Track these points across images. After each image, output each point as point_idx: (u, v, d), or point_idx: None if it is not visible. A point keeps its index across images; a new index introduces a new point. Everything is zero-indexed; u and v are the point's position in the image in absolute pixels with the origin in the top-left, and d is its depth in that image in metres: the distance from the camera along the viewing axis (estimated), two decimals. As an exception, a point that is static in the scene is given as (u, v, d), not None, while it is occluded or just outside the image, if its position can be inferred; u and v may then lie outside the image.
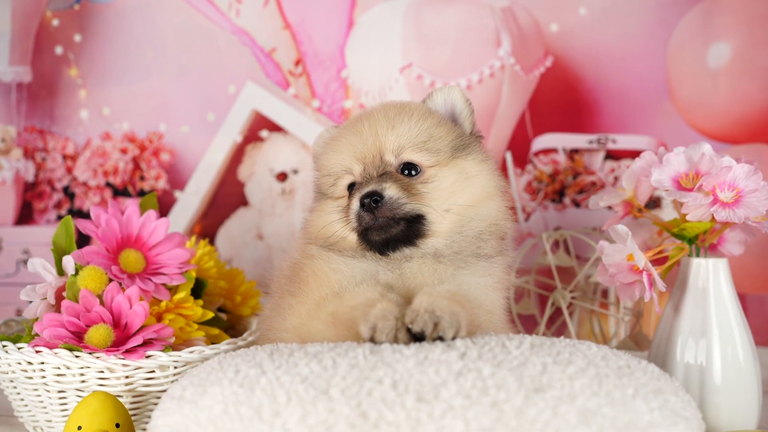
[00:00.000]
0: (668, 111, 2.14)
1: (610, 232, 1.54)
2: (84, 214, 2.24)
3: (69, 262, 1.53)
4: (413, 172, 1.40)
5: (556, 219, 2.17)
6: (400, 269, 1.36)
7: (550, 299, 1.87)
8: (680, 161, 1.54)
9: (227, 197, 2.24)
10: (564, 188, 2.17)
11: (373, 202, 1.34)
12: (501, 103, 2.15)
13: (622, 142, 2.17)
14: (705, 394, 1.50)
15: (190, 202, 2.24)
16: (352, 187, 1.44)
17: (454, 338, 1.15)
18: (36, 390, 1.49)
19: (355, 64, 2.18)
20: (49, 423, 1.52)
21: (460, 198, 1.39)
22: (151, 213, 1.65)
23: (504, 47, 2.13)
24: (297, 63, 2.20)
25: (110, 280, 1.52)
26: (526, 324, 1.98)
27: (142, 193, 2.24)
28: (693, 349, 1.53)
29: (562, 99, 2.16)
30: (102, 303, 1.50)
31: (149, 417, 1.51)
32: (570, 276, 2.01)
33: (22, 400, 1.53)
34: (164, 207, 2.23)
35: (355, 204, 1.38)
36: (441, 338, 1.15)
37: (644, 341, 1.77)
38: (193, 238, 1.75)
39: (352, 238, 1.41)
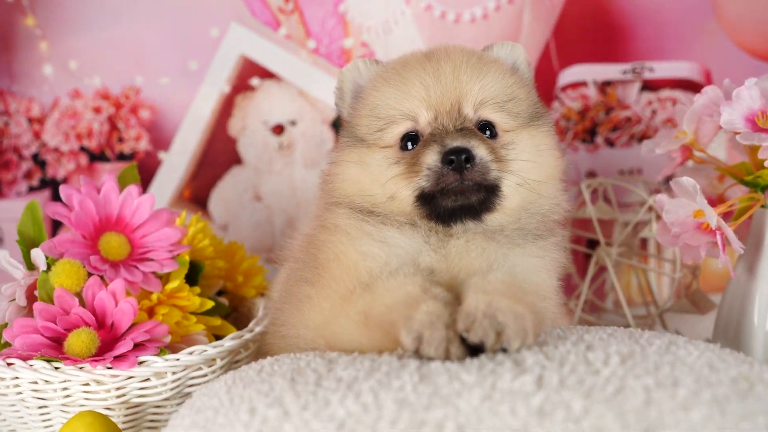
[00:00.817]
0: (713, 31, 1.89)
1: (672, 186, 1.31)
2: (58, 184, 1.99)
3: (39, 256, 1.30)
4: (491, 134, 1.19)
5: (588, 161, 1.94)
6: (445, 249, 1.14)
7: (593, 257, 1.65)
8: (753, 96, 1.30)
9: (218, 155, 2.00)
10: (595, 126, 1.93)
11: (465, 160, 1.11)
12: (522, 33, 1.88)
13: (661, 70, 1.92)
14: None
15: (176, 164, 1.99)
16: (409, 138, 1.19)
17: (519, 349, 0.93)
18: (13, 406, 1.28)
19: (354, -5, 1.90)
20: (34, 439, 1.32)
21: (533, 172, 1.19)
22: (133, 188, 1.42)
23: (524, -33, 1.85)
24: (287, -2, 1.92)
25: (89, 274, 1.29)
26: (565, 285, 1.77)
27: (122, 157, 1.99)
28: (774, 313, 1.33)
29: (591, 25, 1.89)
30: (82, 302, 1.28)
31: (149, 429, 1.30)
32: (608, 227, 1.79)
33: (0, 414, 1.33)
34: (148, 170, 1.99)
35: (433, 158, 1.13)
36: (504, 349, 0.93)
37: (703, 301, 1.57)
38: (184, 214, 1.51)
39: (409, 200, 1.16)
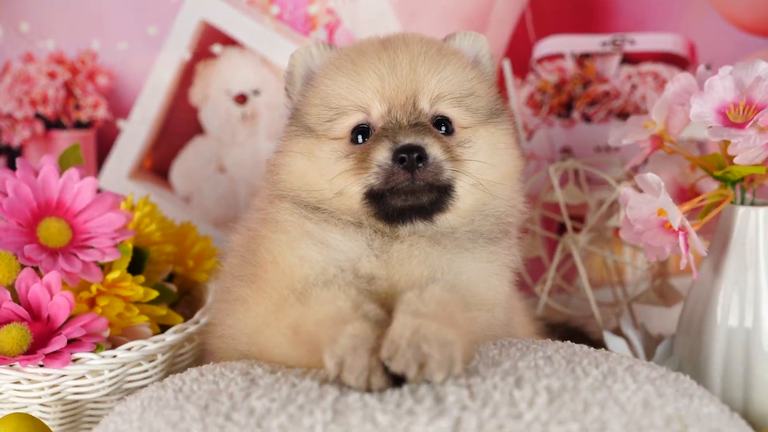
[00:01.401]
0: (699, 3, 1.80)
1: (636, 180, 1.24)
2: (13, 151, 1.92)
3: (-31, 247, 1.24)
4: (447, 130, 1.12)
5: (564, 137, 1.86)
6: (387, 253, 1.08)
7: (559, 244, 1.60)
8: (727, 87, 1.23)
9: (180, 125, 1.92)
10: (572, 100, 1.85)
11: (417, 159, 1.05)
12: (496, 2, 1.79)
13: (642, 42, 1.83)
14: (751, 361, 1.27)
15: (136, 133, 1.91)
16: (360, 131, 1.13)
17: (444, 380, 0.88)
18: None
19: (320, -41, 1.79)
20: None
21: (489, 173, 1.13)
22: (73, 171, 1.35)
23: (500, -69, 1.74)
24: (249, -40, 1.81)
25: (23, 266, 1.24)
26: (533, 268, 1.72)
27: (79, 125, 1.91)
28: (737, 311, 1.28)
29: (570, -7, 1.79)
30: (14, 295, 1.23)
31: (87, 425, 1.26)
32: (583, 208, 1.73)
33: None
34: (107, 140, 1.91)
35: (383, 155, 1.07)
36: (428, 380, 0.88)
37: (671, 293, 1.52)
38: (130, 197, 1.45)
39: (357, 197, 1.10)
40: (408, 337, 0.90)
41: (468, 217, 1.12)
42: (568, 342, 1.07)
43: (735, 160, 1.21)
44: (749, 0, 1.77)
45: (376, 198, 1.09)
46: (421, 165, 1.06)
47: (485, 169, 1.12)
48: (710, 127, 1.20)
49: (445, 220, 1.11)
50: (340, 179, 1.11)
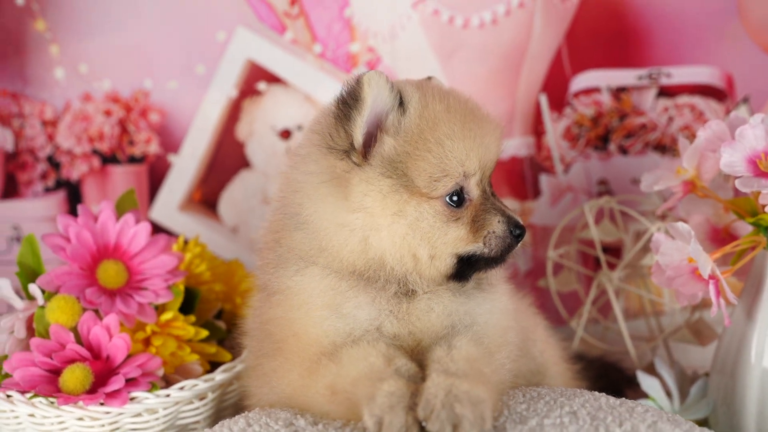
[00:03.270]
0: (736, 34, 1.80)
1: (668, 228, 1.27)
2: (72, 185, 2.02)
3: (36, 291, 1.33)
4: None
5: (600, 169, 1.89)
6: (407, 311, 1.12)
7: (594, 281, 1.63)
8: (758, 136, 1.25)
9: (227, 159, 2.00)
10: (609, 133, 1.88)
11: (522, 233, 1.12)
12: (533, 38, 1.82)
13: (679, 75, 1.85)
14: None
15: (186, 167, 2.00)
16: (458, 193, 1.10)
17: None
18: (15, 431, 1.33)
19: (361, 0, 1.85)
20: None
21: None
22: (130, 217, 1.44)
23: (536, -30, 1.78)
24: (293, 2, 1.88)
25: (84, 309, 1.33)
26: (569, 302, 1.75)
27: (133, 159, 2.01)
28: (772, 352, 1.30)
29: (605, 29, 1.82)
30: (77, 336, 1.32)
31: (143, 458, 1.35)
32: (617, 243, 1.76)
33: (7, 435, 1.39)
34: (158, 173, 2.00)
35: (501, 228, 1.11)
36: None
37: (706, 331, 1.54)
38: (181, 239, 1.53)
39: (450, 261, 1.10)
40: (442, 398, 0.95)
41: None
42: (596, 394, 1.11)
43: (766, 209, 1.24)
44: (787, 33, 1.77)
45: (469, 263, 1.11)
46: (522, 236, 1.12)
47: None
48: (740, 176, 1.23)
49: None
50: (448, 246, 1.10)
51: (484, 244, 1.11)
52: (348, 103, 1.07)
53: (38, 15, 1.95)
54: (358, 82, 1.05)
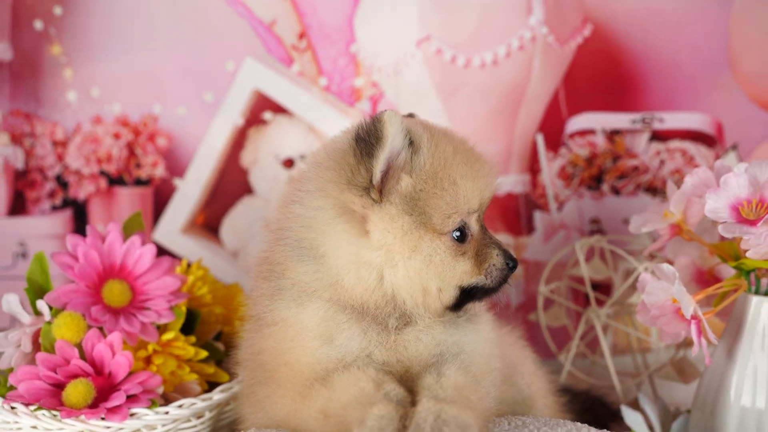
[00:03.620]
0: (727, 84, 1.88)
1: (654, 269, 1.33)
2: (79, 204, 2.08)
3: (43, 308, 1.38)
4: None
5: (593, 208, 1.95)
6: (396, 342, 1.16)
7: (583, 317, 1.68)
8: (741, 184, 1.31)
9: (230, 185, 2.06)
10: (602, 173, 1.94)
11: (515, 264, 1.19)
12: (532, 80, 1.89)
13: (671, 120, 1.92)
14: (761, 442, 1.34)
15: (190, 191, 2.06)
16: (460, 229, 1.15)
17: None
18: (18, 443, 1.37)
19: (366, 36, 1.92)
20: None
21: None
22: (136, 238, 1.48)
23: (535, 15, 1.85)
24: (301, 36, 1.95)
25: (89, 327, 1.37)
26: (558, 336, 1.80)
27: (139, 182, 2.07)
28: (750, 392, 1.35)
29: (601, 74, 1.90)
30: (81, 352, 1.36)
31: (140, 473, 1.38)
32: (607, 280, 1.81)
33: (8, 446, 1.42)
34: (163, 196, 2.06)
35: (500, 261, 1.18)
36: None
37: (689, 369, 1.59)
38: (185, 262, 1.58)
39: (453, 293, 1.16)
40: (431, 422, 0.99)
41: None
42: (578, 424, 1.16)
43: (747, 254, 1.29)
44: (775, 84, 1.85)
45: (468, 293, 1.17)
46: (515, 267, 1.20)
47: None
48: (723, 222, 1.28)
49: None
50: (455, 279, 1.15)
51: (486, 276, 1.17)
52: (369, 141, 1.09)
53: (55, 40, 2.02)
54: (380, 121, 1.08)
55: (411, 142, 1.12)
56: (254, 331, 1.24)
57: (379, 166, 1.09)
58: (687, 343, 1.67)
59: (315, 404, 1.11)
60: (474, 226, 1.18)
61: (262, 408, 1.19)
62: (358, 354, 1.14)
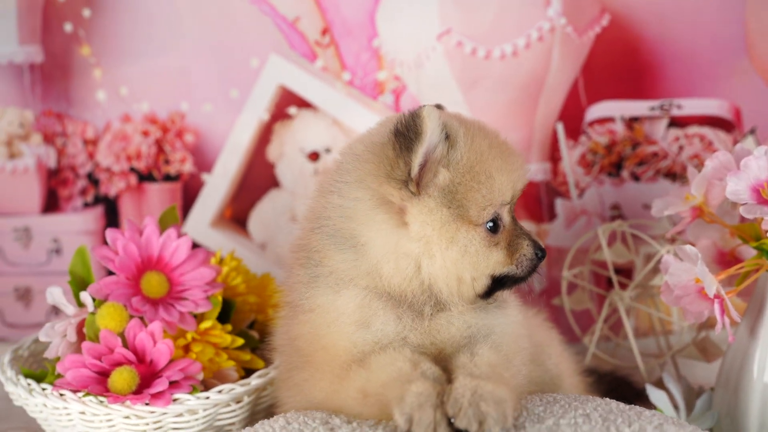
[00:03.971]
0: (745, 70, 1.91)
1: (676, 250, 1.36)
2: (110, 201, 2.14)
3: (87, 299, 1.44)
4: None
5: (613, 195, 1.98)
6: (430, 326, 1.21)
7: (606, 300, 1.72)
8: (762, 166, 1.34)
9: (257, 179, 2.11)
10: (622, 160, 1.98)
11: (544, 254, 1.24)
12: (551, 70, 1.93)
13: (689, 107, 1.95)
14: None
15: (218, 185, 2.11)
16: (494, 220, 1.19)
17: (500, 431, 1.04)
18: (66, 428, 1.43)
19: (388, 31, 1.96)
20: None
21: None
22: (172, 231, 1.54)
23: (554, 6, 1.89)
24: (324, 32, 2.00)
25: (131, 316, 1.43)
26: (581, 319, 1.84)
27: (167, 178, 2.12)
28: (774, 368, 1.38)
29: (620, 62, 1.93)
30: (124, 341, 1.42)
31: (182, 457, 1.44)
32: (629, 264, 1.85)
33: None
34: (192, 191, 2.11)
35: (530, 251, 1.22)
36: (486, 431, 1.03)
37: (712, 349, 1.62)
38: (219, 253, 1.63)
39: (485, 281, 1.20)
40: (469, 397, 1.04)
41: None
42: (607, 399, 1.20)
43: (768, 234, 1.33)
44: (791, 69, 1.87)
45: (499, 282, 1.22)
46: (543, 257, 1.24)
47: None
48: (744, 204, 1.32)
49: None
50: (488, 269, 1.19)
51: (517, 266, 1.22)
52: (407, 135, 1.13)
53: (84, 41, 2.08)
54: (419, 116, 1.12)
55: (447, 137, 1.16)
56: (290, 317, 1.28)
57: (417, 160, 1.13)
58: (709, 324, 1.70)
59: (353, 384, 1.15)
60: (506, 218, 1.22)
61: (300, 392, 1.24)
62: (394, 338, 1.18)
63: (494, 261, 1.20)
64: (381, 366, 1.14)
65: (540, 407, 1.14)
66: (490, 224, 1.19)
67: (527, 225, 1.96)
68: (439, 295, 1.19)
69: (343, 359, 1.18)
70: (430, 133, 1.13)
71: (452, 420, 1.04)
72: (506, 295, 1.28)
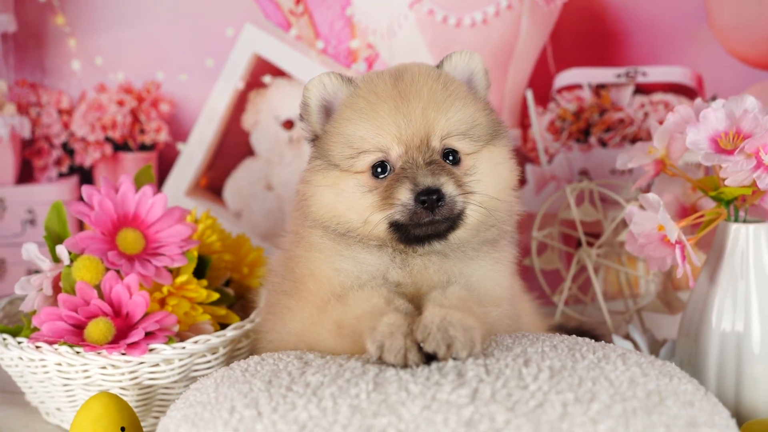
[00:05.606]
0: (705, 37, 1.96)
1: (639, 199, 1.41)
2: (85, 171, 2.14)
3: (63, 252, 1.45)
4: (454, 160, 1.28)
5: (581, 160, 2.03)
6: (408, 266, 1.26)
7: (575, 257, 1.76)
8: (719, 118, 1.39)
9: (233, 147, 2.13)
10: (589, 127, 2.02)
11: (436, 200, 1.22)
12: (520, 38, 1.97)
13: (654, 74, 2.00)
14: (742, 362, 1.42)
15: (194, 154, 2.13)
16: (380, 165, 1.25)
17: (467, 357, 1.07)
18: (42, 382, 1.45)
19: (361, 0, 1.99)
20: (59, 410, 1.49)
21: (491, 188, 1.29)
22: (147, 188, 1.56)
23: (523, -25, 1.93)
24: (298, 2, 2.02)
25: (107, 269, 1.45)
26: (551, 279, 1.89)
27: (143, 147, 2.13)
28: (730, 316, 1.43)
29: (586, 30, 1.97)
30: (100, 293, 1.43)
31: (158, 408, 1.46)
32: (599, 225, 1.90)
33: (30, 387, 1.50)
34: (167, 160, 2.13)
35: (407, 196, 1.22)
36: (455, 357, 1.07)
37: (675, 302, 1.67)
38: (194, 211, 1.65)
39: (382, 227, 1.25)
40: (437, 323, 1.08)
41: (474, 230, 1.28)
42: (574, 336, 1.25)
43: (725, 182, 1.38)
44: (749, 36, 1.93)
45: (399, 228, 1.25)
46: (440, 204, 1.22)
47: (488, 188, 1.28)
48: (704, 152, 1.37)
49: (455, 236, 1.27)
50: (366, 211, 1.25)
51: (396, 212, 1.23)
52: (303, 107, 1.34)
53: (58, 10, 2.08)
54: (306, 89, 1.32)
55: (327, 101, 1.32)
56: (292, 242, 1.36)
57: (309, 126, 1.33)
58: (675, 287, 1.76)
59: (330, 317, 1.20)
60: (396, 164, 1.25)
61: (281, 319, 1.29)
62: (374, 272, 1.24)
63: (367, 205, 1.25)
64: (357, 301, 1.18)
65: (509, 340, 1.18)
66: (378, 169, 1.26)
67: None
68: (356, 232, 1.27)
69: (326, 288, 1.23)
70: (312, 103, 1.32)
71: (422, 345, 1.07)
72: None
